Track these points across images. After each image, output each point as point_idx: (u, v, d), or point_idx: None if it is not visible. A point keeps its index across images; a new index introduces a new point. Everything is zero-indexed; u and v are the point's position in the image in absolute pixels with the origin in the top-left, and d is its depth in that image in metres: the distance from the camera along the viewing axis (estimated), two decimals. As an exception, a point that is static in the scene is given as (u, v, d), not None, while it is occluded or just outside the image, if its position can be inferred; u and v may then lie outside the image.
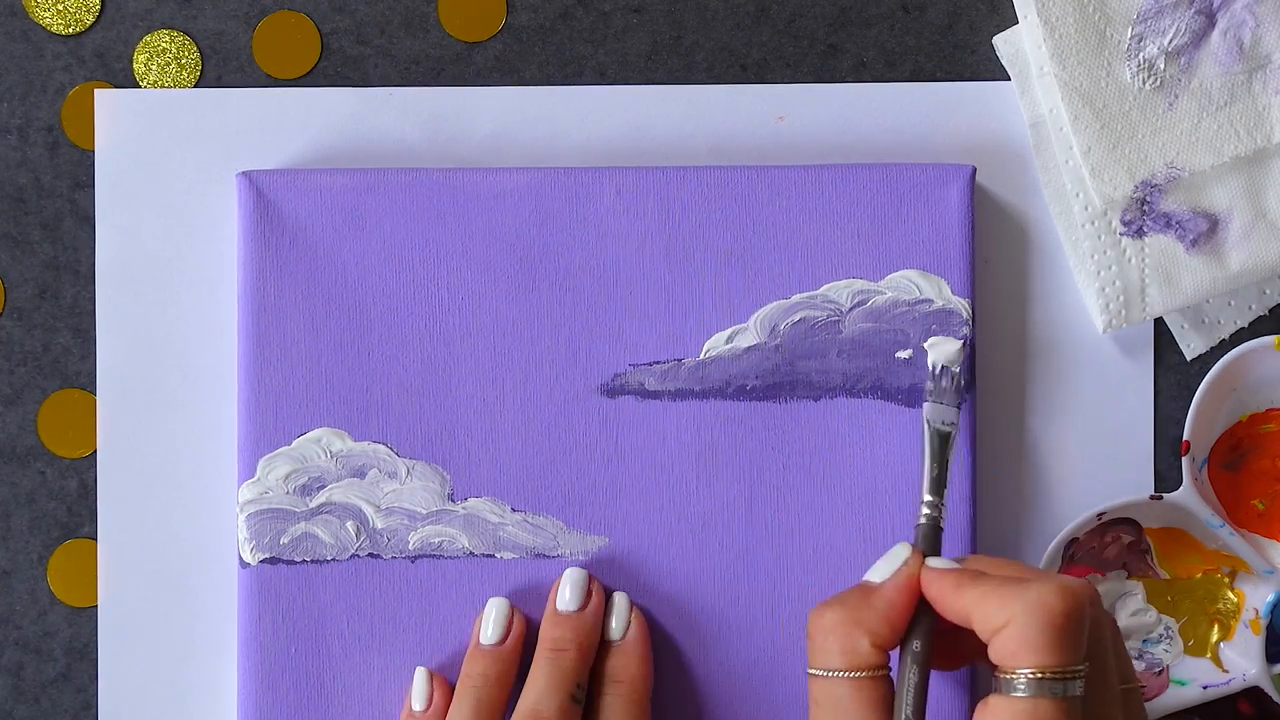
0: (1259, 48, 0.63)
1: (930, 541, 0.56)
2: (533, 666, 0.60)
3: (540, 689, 0.59)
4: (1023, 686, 0.50)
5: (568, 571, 0.61)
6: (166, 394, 0.64)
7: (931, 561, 0.54)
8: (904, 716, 0.52)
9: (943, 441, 0.57)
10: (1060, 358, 0.65)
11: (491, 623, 0.61)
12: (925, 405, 0.58)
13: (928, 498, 0.57)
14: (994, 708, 0.50)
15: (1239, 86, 0.63)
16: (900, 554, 0.55)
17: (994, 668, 0.51)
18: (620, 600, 0.62)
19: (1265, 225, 0.63)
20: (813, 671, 0.54)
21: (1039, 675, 0.50)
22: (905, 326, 0.63)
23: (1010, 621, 0.50)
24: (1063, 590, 0.51)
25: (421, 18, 0.65)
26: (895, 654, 0.54)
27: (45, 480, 0.65)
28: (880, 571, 0.55)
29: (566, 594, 0.61)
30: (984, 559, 0.56)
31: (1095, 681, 0.52)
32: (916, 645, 0.54)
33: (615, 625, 0.62)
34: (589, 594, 0.61)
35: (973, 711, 0.55)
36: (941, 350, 0.59)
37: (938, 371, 0.59)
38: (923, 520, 0.56)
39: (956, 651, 0.56)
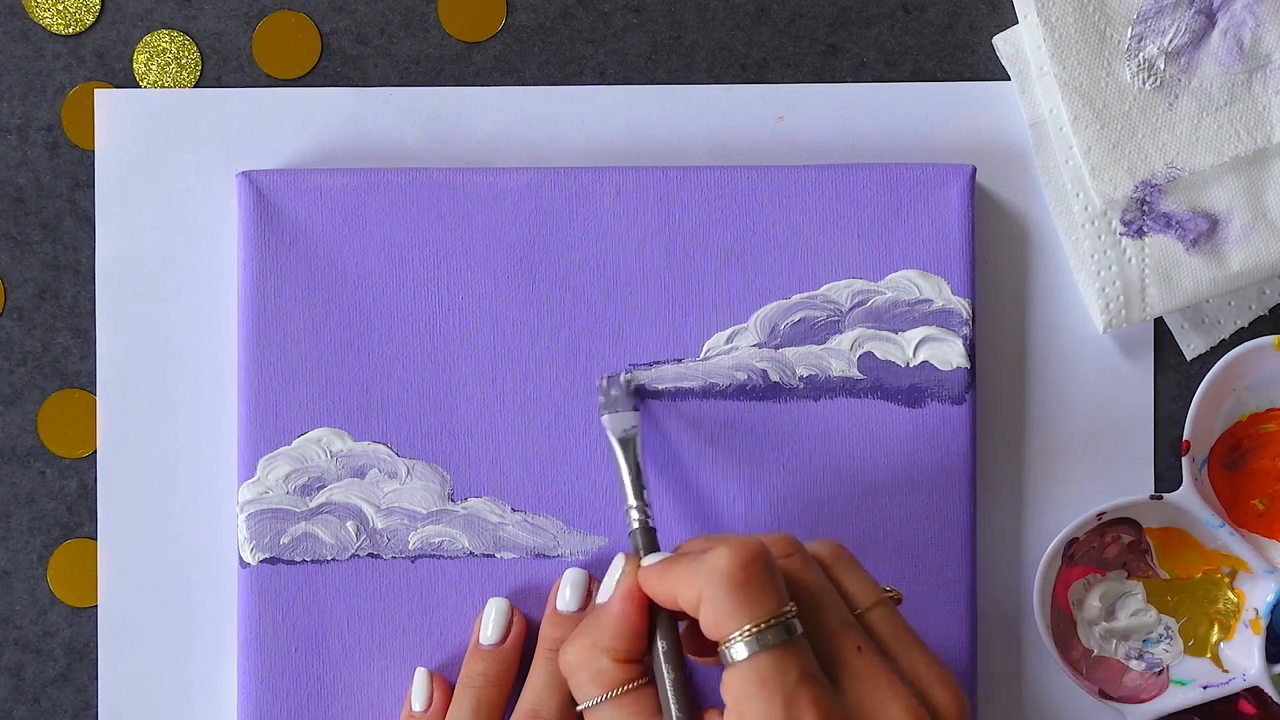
0: (1259, 48, 0.63)
1: (647, 543, 0.57)
2: (532, 666, 0.60)
3: (540, 689, 0.59)
4: (739, 650, 0.51)
5: (568, 572, 0.61)
6: (166, 394, 0.64)
7: (646, 559, 0.56)
8: (671, 716, 0.53)
9: (626, 446, 0.59)
10: (1060, 358, 0.65)
11: (491, 623, 0.61)
12: (603, 419, 0.60)
13: (631, 502, 0.58)
14: (726, 682, 0.51)
15: (1239, 86, 0.63)
16: (617, 566, 0.56)
17: (717, 646, 0.52)
18: (619, 600, 0.62)
19: (1265, 225, 0.63)
20: (580, 708, 0.55)
21: (744, 635, 0.50)
22: (905, 327, 0.63)
23: (700, 594, 0.51)
24: (733, 549, 0.51)
25: (421, 18, 0.65)
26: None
27: (45, 480, 0.65)
28: (605, 589, 0.56)
29: (567, 594, 0.61)
30: (693, 540, 0.57)
31: (812, 617, 0.52)
32: (662, 645, 0.54)
33: (614, 625, 0.62)
34: (589, 594, 0.61)
35: None
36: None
37: (604, 383, 0.61)
38: (634, 524, 0.57)
39: (707, 642, 0.57)
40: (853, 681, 0.52)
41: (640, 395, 0.62)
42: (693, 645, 0.56)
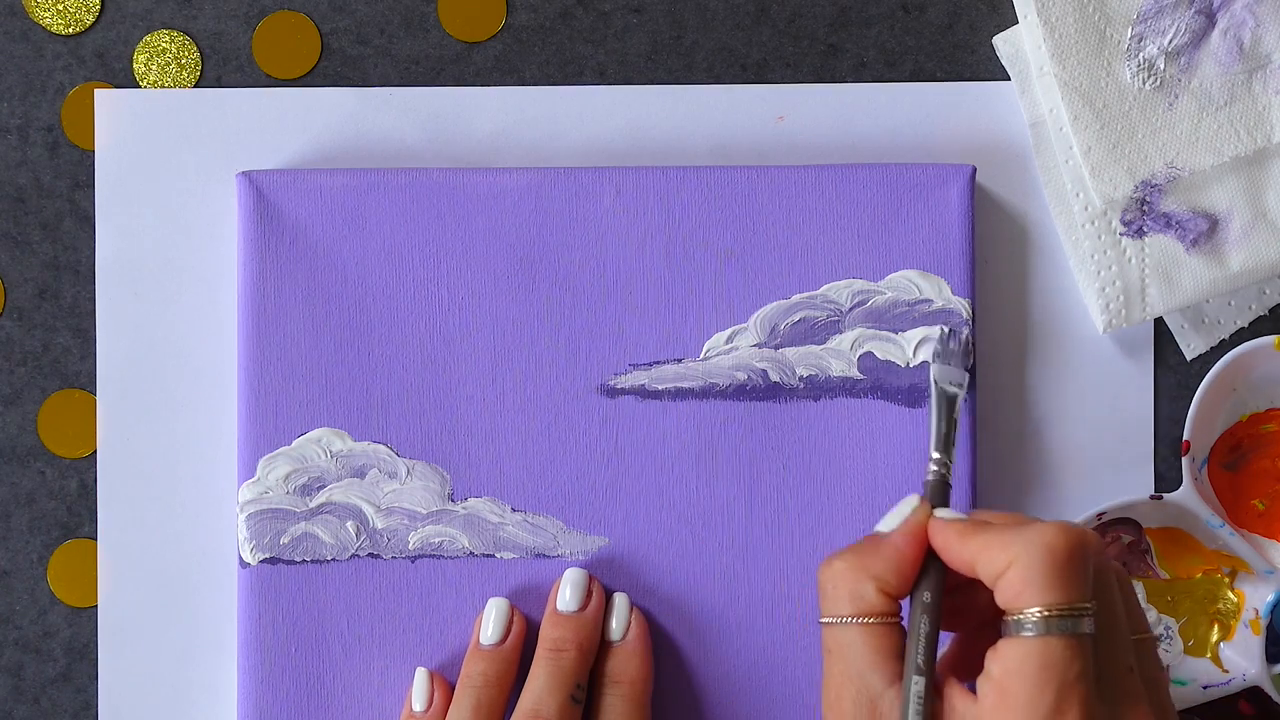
0: (1259, 48, 0.63)
1: (939, 495, 0.56)
2: (533, 666, 0.60)
3: (540, 689, 0.59)
4: (1030, 626, 0.50)
5: (568, 572, 0.61)
6: (166, 394, 0.64)
7: (939, 512, 0.54)
8: (915, 665, 0.52)
9: (949, 401, 0.58)
10: (1060, 358, 0.65)
11: (491, 623, 0.61)
12: (932, 366, 0.59)
13: (935, 455, 0.57)
14: (1003, 651, 0.50)
15: (1239, 86, 0.63)
16: (909, 504, 0.55)
17: (1002, 613, 0.51)
18: (620, 600, 0.62)
19: (1265, 225, 0.63)
20: (823, 620, 0.54)
21: (1045, 613, 0.50)
22: (905, 327, 0.63)
23: (1012, 562, 0.50)
24: (1063, 529, 0.50)
25: (421, 18, 0.65)
26: (906, 606, 0.54)
27: (45, 480, 0.65)
28: (888, 522, 0.54)
29: (567, 594, 0.61)
30: (990, 512, 0.56)
31: (1103, 625, 0.52)
32: (926, 596, 0.53)
33: (615, 625, 0.62)
34: (589, 594, 0.61)
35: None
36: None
37: (946, 334, 0.60)
38: (930, 476, 0.56)
39: (970, 610, 0.56)
40: (1117, 698, 0.51)
41: (969, 358, 0.61)
42: (957, 615, 0.55)
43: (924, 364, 0.62)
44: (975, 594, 0.55)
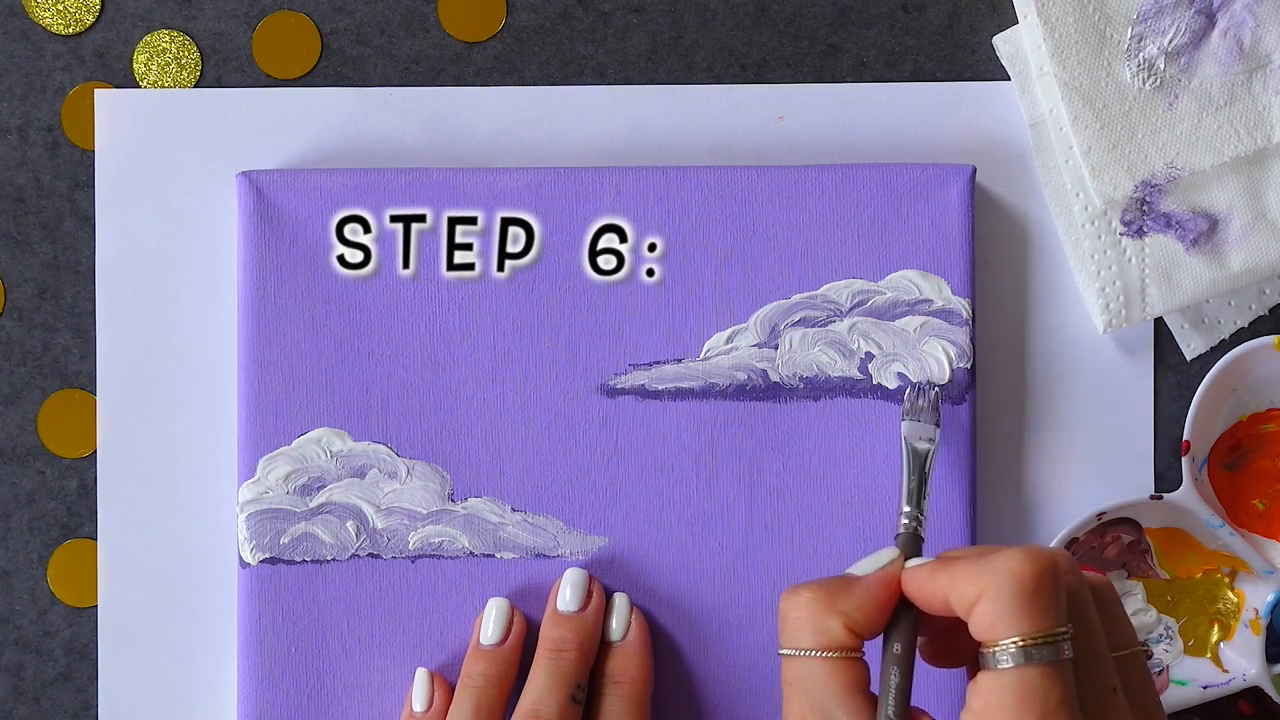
0: (1259, 48, 0.63)
1: (911, 547, 0.56)
2: (533, 667, 0.60)
3: (540, 689, 0.59)
4: (1006, 658, 0.49)
5: (568, 572, 0.61)
6: (166, 394, 0.64)
7: (911, 563, 0.54)
8: (885, 717, 0.52)
9: (920, 457, 0.58)
10: (1060, 358, 0.65)
11: (491, 623, 0.61)
12: (903, 424, 0.59)
13: (906, 508, 0.57)
14: (981, 684, 0.50)
15: (1239, 86, 0.63)
16: (885, 555, 0.54)
17: (979, 646, 0.51)
18: (620, 601, 0.62)
19: (1265, 225, 0.63)
20: (784, 652, 0.53)
21: (1020, 643, 0.49)
22: (905, 327, 0.63)
23: (982, 593, 0.50)
24: (1029, 555, 0.50)
25: (421, 18, 0.65)
26: (875, 647, 0.54)
27: (45, 480, 0.65)
28: (863, 567, 0.54)
29: (567, 594, 0.61)
30: (957, 549, 0.56)
31: (1081, 647, 0.51)
32: (897, 648, 0.53)
33: (615, 626, 0.62)
34: (589, 594, 0.61)
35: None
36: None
37: (915, 390, 0.61)
38: (901, 529, 0.57)
39: (953, 650, 0.56)
40: None
41: (940, 412, 0.61)
42: (931, 651, 0.55)
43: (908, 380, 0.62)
44: (958, 637, 0.54)
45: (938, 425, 0.60)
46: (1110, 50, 0.63)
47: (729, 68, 0.65)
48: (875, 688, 0.53)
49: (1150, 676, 0.54)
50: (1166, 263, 0.63)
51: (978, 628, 0.50)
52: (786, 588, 0.54)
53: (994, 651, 0.49)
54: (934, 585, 0.52)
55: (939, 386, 0.62)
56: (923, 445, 0.59)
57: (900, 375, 0.62)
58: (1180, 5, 0.62)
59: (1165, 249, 0.63)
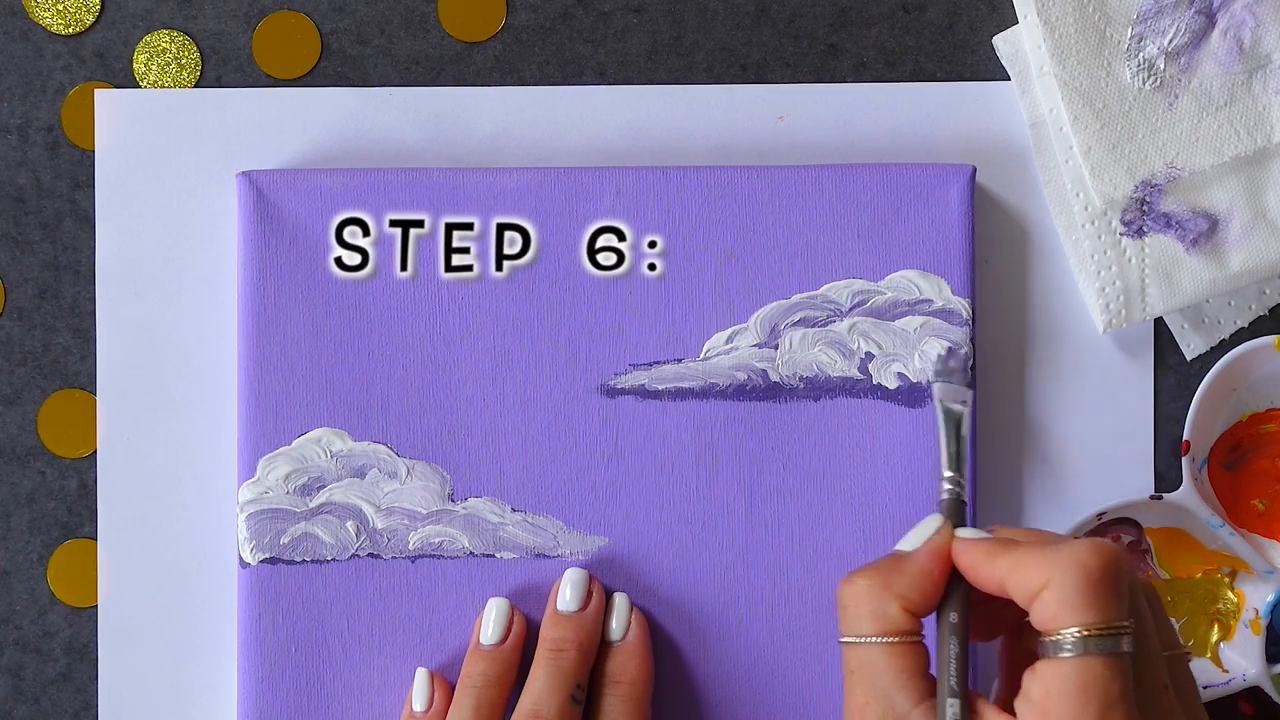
0: (1259, 48, 0.63)
1: (956, 514, 0.55)
2: (533, 667, 0.60)
3: (540, 689, 0.59)
4: (1069, 647, 0.49)
5: (568, 572, 0.61)
6: (166, 394, 0.64)
7: (961, 532, 0.54)
8: (949, 688, 0.51)
9: (955, 420, 0.57)
10: (1060, 358, 0.65)
11: (491, 623, 0.61)
12: (935, 386, 0.58)
13: (947, 473, 0.56)
14: (1042, 672, 0.50)
15: (1239, 86, 0.63)
16: (931, 524, 0.54)
17: (1038, 633, 0.51)
18: (620, 600, 0.62)
19: (1265, 225, 0.63)
20: (844, 639, 0.53)
21: (1084, 633, 0.49)
22: (905, 327, 0.63)
23: (1048, 583, 0.50)
24: (1098, 548, 0.50)
25: (421, 18, 0.65)
26: (930, 624, 0.54)
27: (45, 480, 0.65)
28: (911, 541, 0.54)
29: (567, 594, 0.61)
30: (1011, 529, 0.55)
31: (1139, 643, 0.51)
32: (953, 617, 0.53)
33: (615, 625, 0.62)
34: (589, 594, 0.61)
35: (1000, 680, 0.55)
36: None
37: (945, 351, 0.60)
38: (945, 495, 0.56)
39: (990, 622, 0.56)
40: (1155, 717, 0.51)
41: (970, 375, 0.60)
42: (979, 627, 0.55)
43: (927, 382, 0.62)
44: (995, 609, 0.54)
45: (970, 388, 0.59)
46: (1110, 50, 0.63)
47: (729, 68, 0.65)
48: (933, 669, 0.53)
49: (1194, 679, 0.54)
50: (1166, 263, 0.63)
51: (1040, 615, 0.50)
52: (843, 576, 0.54)
53: (1057, 640, 0.50)
54: (993, 569, 0.52)
55: (968, 348, 0.61)
56: (957, 407, 0.57)
57: (900, 375, 0.62)
58: (1180, 5, 0.62)
59: (1165, 249, 0.63)
